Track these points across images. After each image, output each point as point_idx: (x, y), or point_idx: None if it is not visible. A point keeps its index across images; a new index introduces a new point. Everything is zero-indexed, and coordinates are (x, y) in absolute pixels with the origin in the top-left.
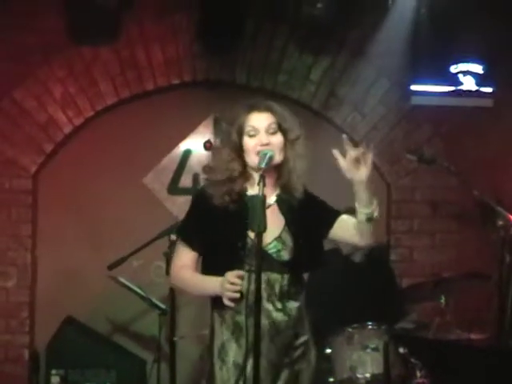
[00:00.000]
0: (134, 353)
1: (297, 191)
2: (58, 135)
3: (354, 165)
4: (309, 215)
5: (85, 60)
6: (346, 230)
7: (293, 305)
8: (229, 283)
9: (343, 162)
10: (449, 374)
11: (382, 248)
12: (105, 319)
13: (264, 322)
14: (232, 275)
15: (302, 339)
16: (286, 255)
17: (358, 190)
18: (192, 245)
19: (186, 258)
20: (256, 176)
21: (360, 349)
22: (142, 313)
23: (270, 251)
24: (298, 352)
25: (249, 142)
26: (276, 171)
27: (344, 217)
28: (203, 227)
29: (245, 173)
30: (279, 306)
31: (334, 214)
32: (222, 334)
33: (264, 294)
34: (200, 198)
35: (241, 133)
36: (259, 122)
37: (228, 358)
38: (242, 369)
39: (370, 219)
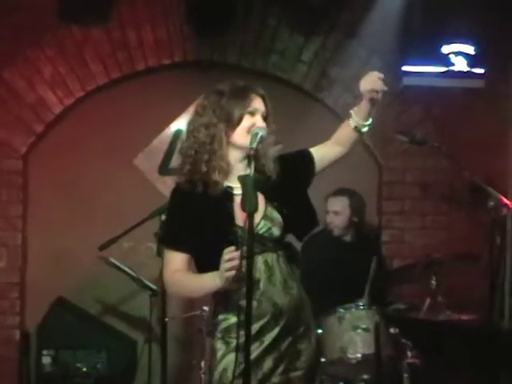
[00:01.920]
0: (125, 333)
1: (271, 173)
2: (48, 116)
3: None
4: (285, 178)
5: (75, 40)
6: (327, 154)
7: (293, 283)
8: (226, 261)
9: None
10: (439, 354)
11: (372, 229)
12: (96, 300)
13: (267, 304)
14: (227, 251)
15: (304, 317)
16: (276, 231)
17: (363, 105)
18: (179, 249)
19: (176, 262)
20: (235, 165)
21: (351, 329)
22: (133, 294)
23: (260, 231)
24: (300, 331)
25: (248, 121)
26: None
27: (314, 149)
28: (187, 226)
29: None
30: (280, 286)
31: (306, 156)
32: (227, 319)
33: (264, 276)
34: (177, 197)
35: (243, 110)
36: (259, 104)
37: (232, 341)
38: (243, 350)
39: (357, 129)
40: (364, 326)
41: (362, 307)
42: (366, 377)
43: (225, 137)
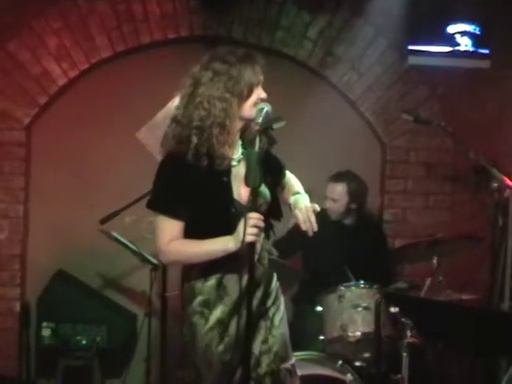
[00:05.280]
0: (125, 307)
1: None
2: (52, 87)
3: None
4: (268, 165)
5: (81, 12)
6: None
7: (265, 254)
8: (251, 225)
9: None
10: (439, 334)
11: (374, 213)
12: (96, 273)
13: (245, 276)
14: (253, 216)
15: (273, 285)
16: (265, 206)
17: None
18: (175, 214)
19: (172, 230)
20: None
21: (351, 307)
22: (134, 268)
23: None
24: (271, 300)
25: (255, 93)
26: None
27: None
28: (183, 192)
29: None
30: (257, 257)
31: (282, 168)
32: (205, 294)
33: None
34: (177, 167)
35: (254, 84)
36: (262, 75)
37: (212, 316)
38: (226, 326)
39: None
40: (364, 305)
41: (362, 285)
42: (365, 355)
43: (236, 112)
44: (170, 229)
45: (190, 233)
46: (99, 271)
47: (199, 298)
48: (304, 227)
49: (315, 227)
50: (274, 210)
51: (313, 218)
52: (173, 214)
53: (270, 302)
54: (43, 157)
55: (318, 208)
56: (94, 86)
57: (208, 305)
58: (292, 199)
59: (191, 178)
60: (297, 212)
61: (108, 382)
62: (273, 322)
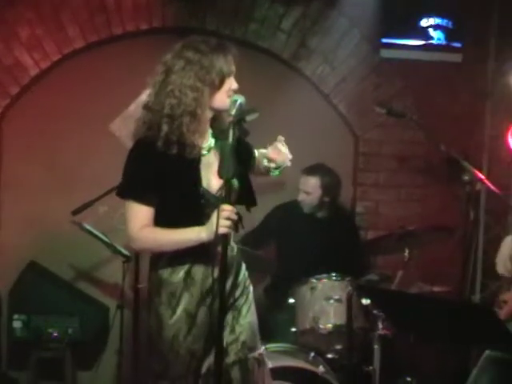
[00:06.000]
0: (98, 299)
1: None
2: (24, 78)
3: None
4: (239, 153)
5: (53, 3)
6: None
7: (234, 244)
8: (225, 217)
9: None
10: (410, 325)
11: (346, 206)
12: (68, 265)
13: (214, 268)
14: (227, 208)
15: (241, 276)
16: (234, 196)
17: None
18: (145, 200)
19: (142, 216)
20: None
21: (323, 299)
22: (106, 259)
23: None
24: (239, 290)
25: (227, 84)
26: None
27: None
28: (153, 178)
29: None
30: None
31: (250, 150)
32: (172, 284)
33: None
34: (147, 153)
35: (226, 74)
36: (234, 65)
37: (179, 306)
38: (193, 317)
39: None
40: (336, 297)
41: (334, 278)
42: (337, 347)
43: (208, 101)
44: (140, 215)
45: (159, 220)
46: (71, 263)
47: (166, 288)
48: (280, 159)
49: (289, 154)
50: (247, 197)
51: (283, 149)
52: (142, 199)
53: (238, 293)
54: (15, 148)
55: (281, 137)
56: (66, 77)
57: (175, 295)
58: (261, 156)
59: (161, 165)
60: (269, 155)
61: (80, 374)
62: (240, 312)
